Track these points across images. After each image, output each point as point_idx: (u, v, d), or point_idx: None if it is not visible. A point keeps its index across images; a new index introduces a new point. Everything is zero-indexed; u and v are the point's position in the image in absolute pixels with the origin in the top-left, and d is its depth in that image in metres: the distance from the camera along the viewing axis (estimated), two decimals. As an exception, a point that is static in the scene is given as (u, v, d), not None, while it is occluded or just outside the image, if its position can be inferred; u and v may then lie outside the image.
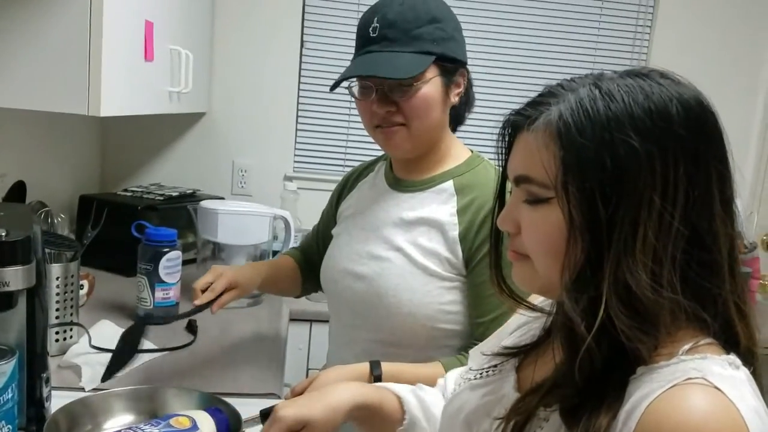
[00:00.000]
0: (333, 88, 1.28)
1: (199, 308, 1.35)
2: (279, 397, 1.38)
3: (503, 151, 0.79)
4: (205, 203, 1.93)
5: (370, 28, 1.24)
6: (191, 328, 1.69)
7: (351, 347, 1.35)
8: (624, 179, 0.65)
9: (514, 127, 0.77)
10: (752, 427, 0.59)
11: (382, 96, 1.25)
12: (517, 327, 0.92)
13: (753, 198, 2.82)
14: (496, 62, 2.71)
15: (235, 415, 1.11)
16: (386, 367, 1.22)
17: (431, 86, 1.24)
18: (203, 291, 1.36)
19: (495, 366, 0.88)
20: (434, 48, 1.23)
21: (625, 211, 0.65)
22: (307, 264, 1.60)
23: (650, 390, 0.63)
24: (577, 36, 2.75)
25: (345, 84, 1.29)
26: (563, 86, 0.72)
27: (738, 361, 0.66)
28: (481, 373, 0.89)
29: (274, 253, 2.08)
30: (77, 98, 1.31)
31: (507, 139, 0.78)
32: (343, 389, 1.01)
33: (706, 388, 0.61)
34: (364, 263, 1.32)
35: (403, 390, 1.04)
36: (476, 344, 1.21)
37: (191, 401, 1.18)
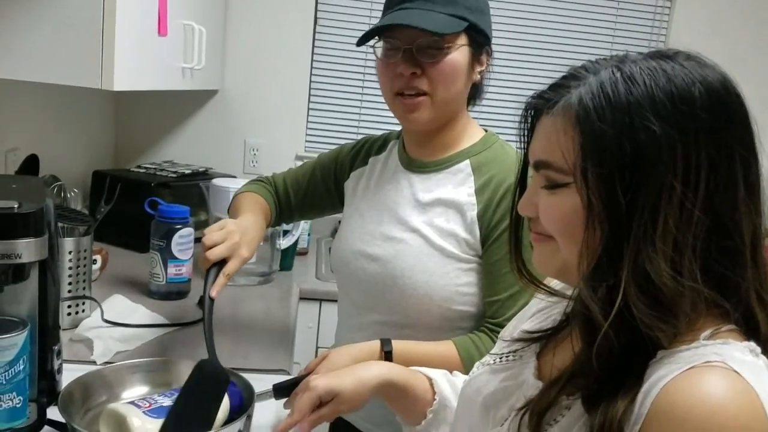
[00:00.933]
0: (361, 42, 1.23)
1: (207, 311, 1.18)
2: (288, 374, 1.39)
3: (525, 135, 0.78)
4: (217, 181, 1.93)
5: None
6: (202, 303, 1.69)
7: (362, 330, 1.33)
8: (644, 165, 0.63)
9: (535, 110, 0.76)
10: None
11: (409, 56, 1.20)
12: (538, 311, 0.92)
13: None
14: (513, 47, 2.68)
15: (248, 388, 1.11)
16: (397, 344, 1.21)
17: (460, 54, 1.21)
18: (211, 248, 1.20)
19: (515, 351, 0.87)
20: (469, 15, 1.20)
21: (644, 197, 0.63)
22: (278, 202, 1.52)
23: (668, 371, 0.62)
24: (596, 18, 2.72)
25: (370, 43, 1.24)
26: (585, 68, 0.71)
27: (758, 349, 0.65)
28: (501, 357, 0.89)
29: (285, 232, 2.08)
30: (91, 72, 1.30)
31: (528, 122, 0.77)
32: (374, 365, 1.04)
33: (725, 371, 0.60)
34: (378, 244, 1.30)
35: (436, 373, 1.04)
36: (489, 323, 1.22)
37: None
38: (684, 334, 0.64)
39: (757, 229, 0.68)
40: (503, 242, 1.21)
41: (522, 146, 0.79)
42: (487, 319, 1.24)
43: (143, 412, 0.99)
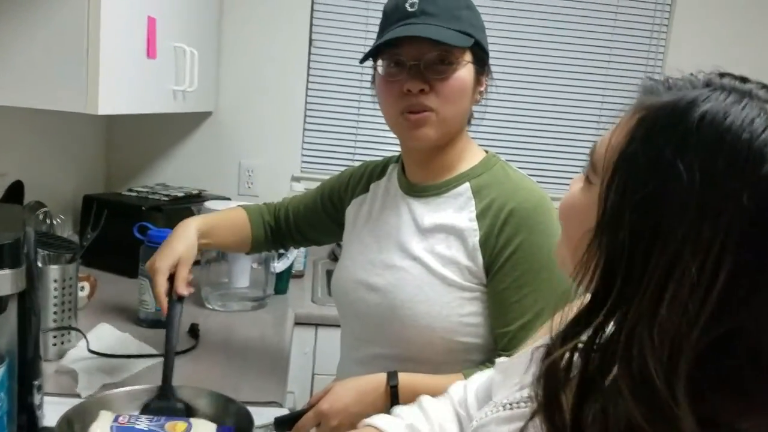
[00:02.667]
0: (364, 59, 1.20)
1: (173, 314, 1.25)
2: (281, 406, 1.34)
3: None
4: (209, 204, 1.89)
5: (407, 4, 1.16)
6: (193, 332, 1.65)
7: (364, 364, 1.28)
8: (663, 220, 0.54)
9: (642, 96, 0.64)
10: None
11: (416, 73, 1.14)
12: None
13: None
14: (509, 67, 2.65)
15: (247, 416, 1.09)
16: (403, 377, 1.16)
17: (466, 71, 1.17)
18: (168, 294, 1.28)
19: (528, 397, 0.81)
20: (474, 32, 1.16)
21: (655, 263, 0.54)
22: (268, 227, 1.50)
23: None
24: (592, 35, 2.69)
25: (370, 63, 1.22)
26: (694, 81, 0.60)
27: None
28: (511, 404, 0.80)
29: (280, 255, 2.04)
30: (75, 96, 1.27)
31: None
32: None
33: None
34: (379, 273, 1.25)
35: (381, 421, 0.98)
36: (501, 356, 1.13)
37: (204, 399, 1.18)
38: None
39: None
40: (509, 270, 1.15)
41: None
42: (498, 352, 1.17)
43: (112, 425, 0.98)
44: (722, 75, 0.61)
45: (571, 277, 0.62)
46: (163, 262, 1.28)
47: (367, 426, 1.00)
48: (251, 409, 1.14)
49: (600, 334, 0.58)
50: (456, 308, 1.18)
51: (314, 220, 1.48)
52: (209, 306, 1.89)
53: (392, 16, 1.18)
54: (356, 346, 1.32)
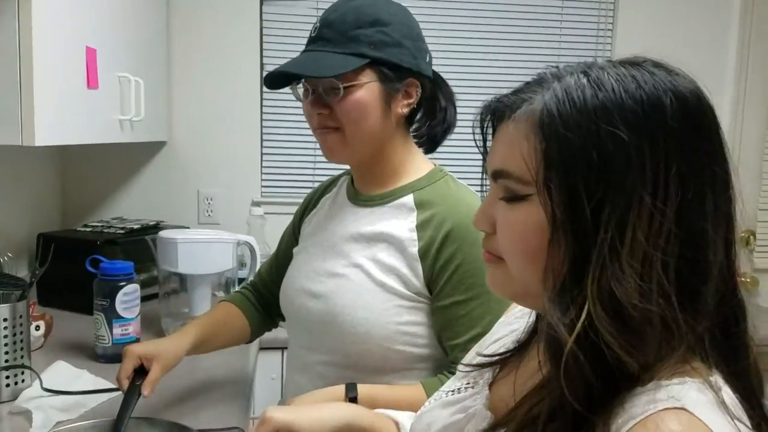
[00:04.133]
0: (266, 84, 1.25)
1: (130, 399, 1.20)
2: (243, 431, 1.31)
3: (483, 143, 0.72)
4: (163, 233, 1.86)
5: (313, 28, 1.22)
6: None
7: (306, 371, 1.28)
8: (611, 175, 0.59)
9: (494, 116, 0.70)
10: None
11: (316, 98, 1.21)
12: (496, 340, 0.86)
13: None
14: (457, 62, 2.66)
15: None
16: (362, 389, 1.16)
17: (366, 91, 1.18)
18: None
19: (468, 382, 0.82)
20: (370, 52, 1.17)
21: (611, 210, 0.59)
22: (260, 304, 1.50)
23: (627, 419, 0.57)
24: (541, 24, 2.72)
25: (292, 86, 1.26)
26: (550, 74, 0.66)
27: (720, 382, 0.60)
28: (453, 390, 0.83)
29: (240, 280, 2.01)
30: (10, 128, 1.24)
31: (486, 129, 0.72)
32: (337, 406, 1.00)
33: (683, 417, 0.55)
34: (322, 281, 1.26)
35: (402, 416, 0.99)
36: (454, 367, 1.16)
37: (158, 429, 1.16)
38: (653, 365, 0.59)
39: (731, 247, 0.64)
40: (455, 285, 1.17)
41: (481, 153, 0.73)
42: (451, 364, 1.19)
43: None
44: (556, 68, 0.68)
45: (544, 289, 0.64)
46: (138, 347, 1.26)
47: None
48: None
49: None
50: (394, 316, 1.18)
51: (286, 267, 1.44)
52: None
53: (308, 38, 1.24)
54: (299, 354, 1.32)
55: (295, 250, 1.40)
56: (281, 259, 1.48)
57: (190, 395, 1.48)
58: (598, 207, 0.59)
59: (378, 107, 1.20)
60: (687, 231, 0.60)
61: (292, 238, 1.47)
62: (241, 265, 2.05)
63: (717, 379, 0.60)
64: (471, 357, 0.89)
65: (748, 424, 0.59)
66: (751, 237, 2.80)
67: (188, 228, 2.24)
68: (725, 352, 0.63)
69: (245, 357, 1.75)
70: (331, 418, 0.95)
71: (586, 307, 0.59)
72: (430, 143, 1.31)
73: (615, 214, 0.59)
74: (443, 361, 1.22)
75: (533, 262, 0.64)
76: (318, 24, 1.20)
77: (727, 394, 0.59)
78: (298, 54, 1.24)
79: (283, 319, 1.44)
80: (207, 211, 2.61)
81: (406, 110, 1.23)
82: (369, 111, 1.19)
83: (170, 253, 1.81)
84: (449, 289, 1.17)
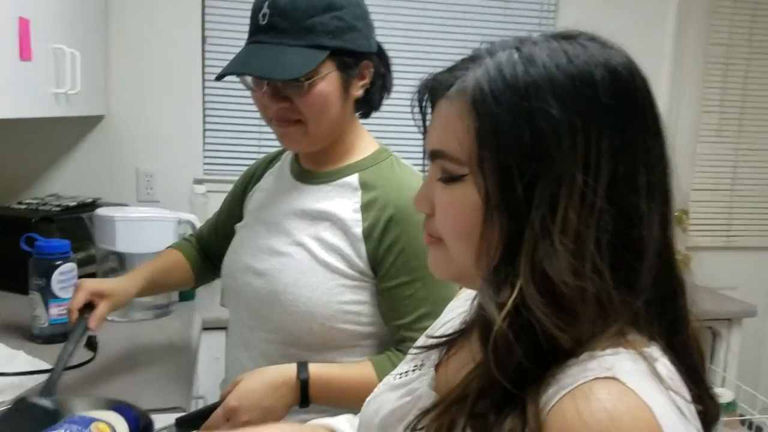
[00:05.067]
0: (218, 78, 1.20)
1: (77, 331, 1.26)
2: (185, 410, 1.30)
3: (423, 122, 0.71)
4: (101, 211, 1.81)
5: (260, 14, 1.14)
6: (91, 344, 1.57)
7: (248, 350, 1.27)
8: (542, 153, 0.59)
9: (431, 94, 0.69)
10: (666, 427, 0.54)
11: (274, 91, 1.17)
12: (446, 322, 0.87)
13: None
14: (401, 38, 2.65)
15: (146, 417, 1.04)
16: (314, 368, 1.15)
17: (327, 83, 1.15)
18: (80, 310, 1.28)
19: (417, 365, 0.82)
20: (329, 41, 1.13)
21: (543, 188, 0.59)
22: (203, 255, 1.52)
23: (558, 389, 0.57)
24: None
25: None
26: (485, 50, 0.65)
27: (656, 353, 0.60)
28: (401, 374, 0.83)
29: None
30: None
31: (423, 108, 0.71)
32: (272, 428, 0.98)
33: (615, 386, 0.55)
34: (265, 259, 1.24)
35: (337, 422, 0.96)
36: (401, 345, 1.18)
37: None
38: (587, 340, 0.59)
39: (667, 223, 0.64)
40: (400, 267, 1.17)
41: (421, 133, 0.72)
42: (398, 342, 1.20)
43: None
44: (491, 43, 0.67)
45: (478, 270, 0.64)
46: (92, 282, 1.31)
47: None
48: (153, 416, 1.10)
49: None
50: (337, 295, 1.18)
51: (228, 233, 1.43)
52: (108, 318, 1.80)
53: (251, 24, 1.18)
54: (242, 332, 1.31)
55: (238, 225, 1.38)
56: (222, 226, 1.47)
57: (132, 375, 1.46)
58: (530, 185, 0.59)
59: (338, 96, 1.18)
60: (619, 207, 0.60)
61: (234, 209, 1.44)
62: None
63: (654, 350, 0.61)
64: (422, 340, 0.88)
65: (687, 395, 0.59)
66: (684, 216, 2.90)
67: (127, 206, 2.19)
68: (663, 325, 0.63)
69: (187, 338, 1.73)
70: None
71: (517, 285, 0.59)
72: (367, 108, 1.29)
73: (547, 192, 0.59)
74: (388, 338, 1.23)
75: (470, 242, 0.63)
76: (267, 10, 1.13)
77: (664, 365, 0.60)
78: (241, 30, 1.20)
79: None
80: (146, 188, 2.55)
81: (361, 92, 1.22)
82: (331, 101, 1.17)
83: (108, 232, 1.77)
84: (394, 271, 1.17)
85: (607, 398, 0.55)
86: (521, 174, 0.59)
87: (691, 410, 0.59)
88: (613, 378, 0.56)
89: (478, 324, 0.64)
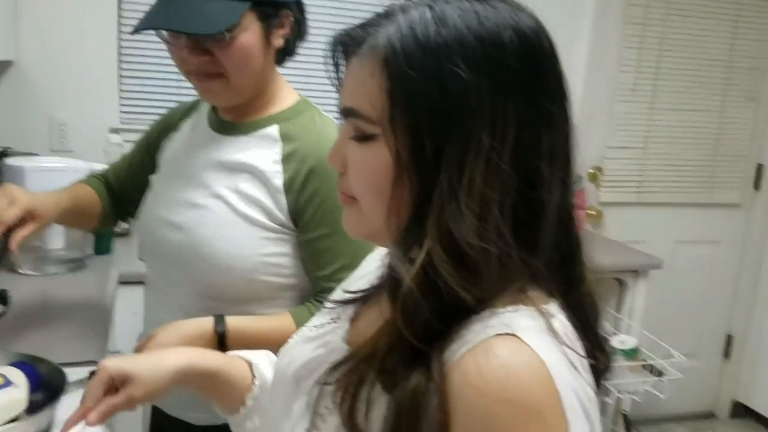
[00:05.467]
0: (134, 32, 1.16)
1: None
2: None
3: (336, 79, 0.70)
4: (10, 160, 1.74)
5: None
6: (2, 298, 1.53)
7: (166, 304, 1.26)
8: (452, 116, 0.59)
9: (344, 51, 0.68)
10: (558, 380, 0.57)
11: (193, 44, 1.14)
12: (363, 275, 0.87)
13: (577, 131, 2.96)
14: None
15: (57, 371, 1.04)
16: (231, 321, 1.15)
17: (249, 35, 1.13)
18: None
19: (333, 318, 0.83)
20: None
21: (451, 150, 0.59)
22: (111, 195, 1.46)
23: (460, 345, 0.59)
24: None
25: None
26: (399, 6, 0.64)
27: (554, 309, 0.63)
28: (316, 326, 0.84)
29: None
30: None
31: (336, 64, 0.70)
32: (175, 351, 0.94)
33: (513, 342, 0.58)
34: (182, 212, 1.22)
35: (257, 356, 0.95)
36: (321, 297, 1.17)
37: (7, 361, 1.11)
38: (490, 299, 0.61)
39: (568, 188, 0.65)
40: (319, 220, 1.17)
41: (336, 89, 0.71)
42: (318, 293, 1.20)
43: None
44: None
45: (389, 229, 0.65)
46: (25, 197, 1.21)
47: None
48: (66, 369, 1.09)
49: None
50: (257, 247, 1.18)
51: (136, 179, 1.39)
52: (21, 272, 1.76)
53: None
54: (159, 286, 1.29)
55: (153, 177, 1.35)
56: (134, 167, 1.43)
57: (46, 329, 1.44)
58: (439, 147, 0.60)
59: (260, 47, 1.16)
60: (522, 170, 0.61)
61: (145, 153, 1.40)
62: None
63: (552, 307, 0.64)
64: (338, 294, 0.89)
65: (580, 350, 0.63)
66: (598, 173, 3.00)
67: (38, 155, 2.11)
68: (561, 283, 0.66)
69: (102, 292, 1.70)
70: (170, 364, 0.89)
71: (425, 246, 0.60)
72: (283, 54, 1.26)
73: (455, 155, 0.59)
74: (310, 289, 1.23)
75: (382, 202, 0.64)
76: None
77: (560, 321, 0.63)
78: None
79: (132, 216, 1.41)
80: (59, 137, 2.45)
81: (281, 41, 1.20)
82: (253, 53, 1.15)
83: (18, 182, 1.70)
84: (314, 224, 1.18)
85: (505, 353, 0.57)
86: (431, 135, 0.60)
87: (583, 363, 0.62)
88: (512, 334, 0.59)
89: (387, 282, 0.65)
